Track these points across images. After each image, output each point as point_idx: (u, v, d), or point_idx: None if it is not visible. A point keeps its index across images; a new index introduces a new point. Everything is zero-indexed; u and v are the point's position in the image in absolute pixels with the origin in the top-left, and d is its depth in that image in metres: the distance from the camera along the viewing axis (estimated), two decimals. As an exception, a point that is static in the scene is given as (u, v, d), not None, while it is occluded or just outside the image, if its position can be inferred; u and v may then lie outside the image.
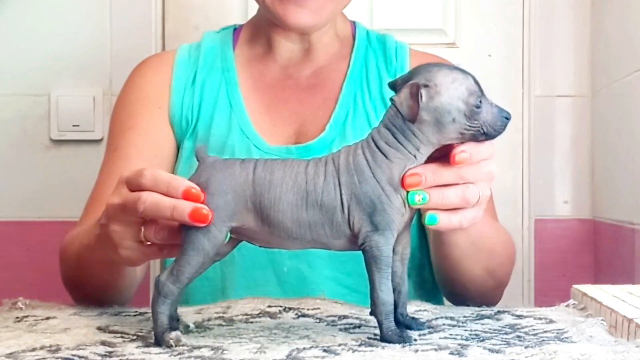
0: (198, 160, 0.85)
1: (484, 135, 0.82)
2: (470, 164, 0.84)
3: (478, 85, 0.83)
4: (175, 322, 0.87)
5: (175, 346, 0.81)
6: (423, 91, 0.80)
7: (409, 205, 0.82)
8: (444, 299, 1.32)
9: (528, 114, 1.84)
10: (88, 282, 1.10)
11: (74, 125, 1.77)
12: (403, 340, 0.81)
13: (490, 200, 1.23)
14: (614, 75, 1.70)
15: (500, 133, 0.83)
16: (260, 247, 0.87)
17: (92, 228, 1.01)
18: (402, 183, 0.82)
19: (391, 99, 0.82)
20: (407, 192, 0.82)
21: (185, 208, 0.81)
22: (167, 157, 1.24)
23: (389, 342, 0.81)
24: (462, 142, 0.83)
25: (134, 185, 0.86)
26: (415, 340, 0.82)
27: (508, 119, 0.83)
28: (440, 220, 0.85)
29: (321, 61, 1.27)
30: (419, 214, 0.86)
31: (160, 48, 1.80)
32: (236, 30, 1.32)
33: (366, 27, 1.33)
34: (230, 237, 0.85)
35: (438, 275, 1.21)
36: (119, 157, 1.22)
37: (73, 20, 1.79)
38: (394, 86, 0.85)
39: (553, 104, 1.86)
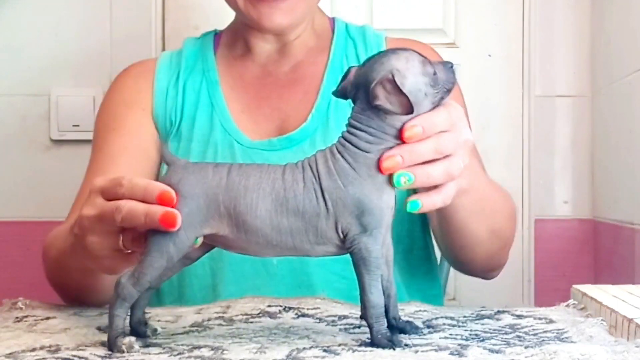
0: (167, 164, 0.83)
1: (447, 92, 0.83)
2: (448, 134, 0.83)
3: (421, 54, 0.83)
4: (142, 325, 0.86)
5: (128, 352, 0.79)
6: (397, 81, 0.79)
7: (395, 187, 0.81)
8: (434, 295, 1.32)
9: (528, 114, 1.84)
10: (68, 285, 1.11)
11: (74, 125, 1.78)
12: (392, 344, 0.79)
13: (478, 160, 1.23)
14: (614, 75, 1.70)
15: (455, 82, 0.84)
16: (236, 253, 0.86)
17: (67, 234, 1.00)
18: (379, 168, 0.80)
19: (377, 107, 0.80)
20: (392, 175, 0.80)
21: (156, 213, 0.79)
22: (152, 156, 1.24)
23: (379, 346, 0.79)
24: None
25: (111, 194, 0.84)
26: (407, 345, 0.80)
27: (452, 66, 0.83)
28: (423, 204, 0.84)
29: (299, 56, 1.28)
30: (402, 201, 0.85)
31: (160, 48, 1.80)
32: (217, 35, 1.34)
33: (345, 21, 1.33)
34: (201, 242, 0.83)
35: (443, 243, 1.20)
36: (105, 156, 1.23)
37: (73, 20, 1.79)
38: (343, 91, 0.84)
39: (553, 104, 1.86)
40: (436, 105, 0.83)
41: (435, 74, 0.82)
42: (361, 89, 0.81)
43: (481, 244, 1.14)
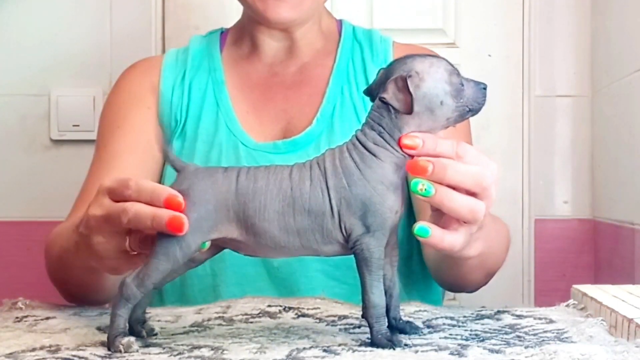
0: (176, 170, 0.83)
1: (470, 112, 0.82)
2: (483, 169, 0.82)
3: (452, 65, 0.82)
4: (140, 325, 0.86)
5: (126, 351, 0.79)
6: (409, 81, 0.79)
7: (411, 191, 0.80)
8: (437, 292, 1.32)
9: (528, 114, 1.84)
10: (69, 283, 1.11)
11: (74, 125, 1.78)
12: (392, 344, 0.79)
13: None
14: (614, 75, 1.70)
15: (483, 105, 0.82)
16: (245, 255, 0.86)
17: (71, 232, 1.00)
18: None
19: (381, 99, 0.81)
20: (410, 181, 0.80)
21: (163, 217, 0.79)
22: (156, 155, 1.24)
23: (378, 346, 0.79)
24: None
25: (118, 196, 0.84)
26: (407, 345, 0.80)
27: (485, 88, 0.82)
28: (432, 235, 0.82)
29: (306, 58, 1.28)
30: (409, 208, 0.85)
31: (160, 48, 1.80)
32: (223, 33, 1.33)
33: (352, 24, 1.33)
34: (209, 246, 0.83)
35: (436, 278, 1.21)
36: (109, 153, 1.23)
37: (73, 20, 1.79)
38: (370, 92, 0.83)
39: (553, 104, 1.86)
40: (453, 122, 0.82)
41: (462, 86, 0.81)
42: (381, 87, 0.82)
43: (474, 283, 1.16)
